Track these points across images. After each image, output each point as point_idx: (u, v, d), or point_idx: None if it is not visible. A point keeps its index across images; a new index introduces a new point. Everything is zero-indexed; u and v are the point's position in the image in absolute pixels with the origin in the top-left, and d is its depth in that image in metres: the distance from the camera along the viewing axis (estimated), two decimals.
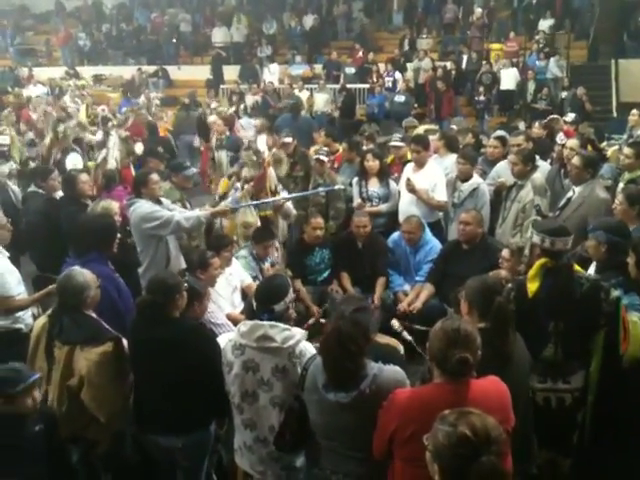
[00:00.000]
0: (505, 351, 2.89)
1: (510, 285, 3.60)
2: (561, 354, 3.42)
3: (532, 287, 3.45)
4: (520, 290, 3.50)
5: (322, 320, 5.25)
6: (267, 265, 5.56)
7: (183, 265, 4.99)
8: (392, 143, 7.26)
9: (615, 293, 3.44)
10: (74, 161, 7.77)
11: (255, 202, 5.79)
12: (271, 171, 6.00)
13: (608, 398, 3.45)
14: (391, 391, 2.65)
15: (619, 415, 3.43)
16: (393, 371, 2.78)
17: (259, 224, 5.87)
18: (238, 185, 6.00)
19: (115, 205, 5.21)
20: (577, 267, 3.58)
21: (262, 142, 8.79)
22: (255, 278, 5.28)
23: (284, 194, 6.15)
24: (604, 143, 8.68)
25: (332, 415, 2.74)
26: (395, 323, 4.66)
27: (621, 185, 5.55)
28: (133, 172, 7.62)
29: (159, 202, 5.06)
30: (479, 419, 2.02)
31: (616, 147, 7.92)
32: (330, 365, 2.73)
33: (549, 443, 3.42)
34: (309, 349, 3.06)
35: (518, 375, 2.67)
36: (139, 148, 8.89)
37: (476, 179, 6.12)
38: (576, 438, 3.52)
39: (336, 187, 6.29)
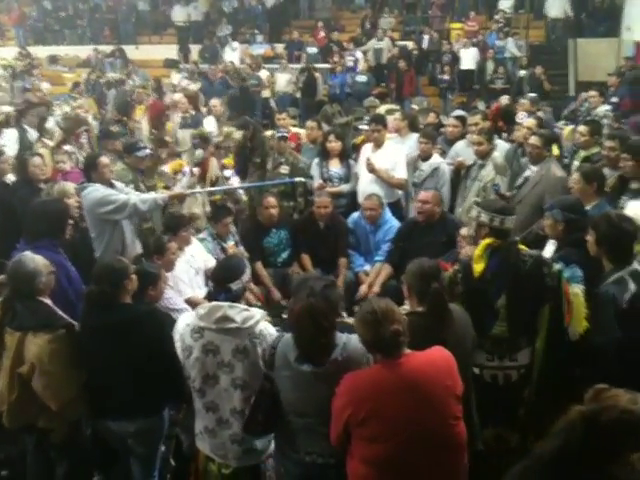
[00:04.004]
0: (440, 335, 2.91)
1: (456, 267, 3.63)
2: (509, 331, 3.47)
3: (478, 267, 3.47)
4: (466, 270, 3.53)
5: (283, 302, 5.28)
6: (230, 244, 5.50)
7: (139, 250, 4.89)
8: (362, 127, 7.26)
9: (556, 267, 3.49)
10: (10, 138, 7.49)
11: (214, 189, 5.71)
12: (213, 161, 5.88)
13: (553, 373, 3.50)
14: (359, 359, 2.73)
15: (565, 388, 3.49)
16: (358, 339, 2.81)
17: (205, 214, 5.78)
18: (187, 169, 5.89)
19: (71, 187, 5.06)
20: (520, 245, 3.62)
21: (210, 123, 8.64)
22: (217, 260, 5.21)
23: (235, 179, 6.07)
24: (561, 122, 8.79)
25: (306, 388, 2.76)
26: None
27: (576, 163, 5.63)
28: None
29: (111, 185, 4.92)
30: None
31: (572, 126, 8.01)
32: (304, 342, 2.75)
33: (495, 419, 3.48)
34: (269, 329, 3.06)
35: (455, 357, 2.69)
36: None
37: (437, 158, 6.16)
38: (523, 412, 3.58)
39: (297, 179, 6.21)
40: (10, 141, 7.14)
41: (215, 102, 9.34)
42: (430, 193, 5.35)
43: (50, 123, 8.03)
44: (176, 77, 13.81)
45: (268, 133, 7.59)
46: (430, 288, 3.04)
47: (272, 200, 5.80)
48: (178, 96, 9.71)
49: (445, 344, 2.76)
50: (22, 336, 3.31)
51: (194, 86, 11.33)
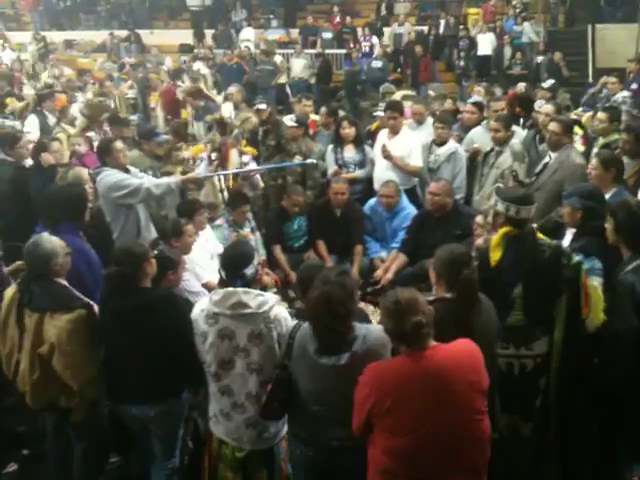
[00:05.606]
0: (468, 322, 2.89)
1: (473, 254, 3.60)
2: (525, 321, 3.44)
3: (495, 256, 3.45)
4: (483, 259, 3.50)
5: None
6: (247, 231, 5.50)
7: (154, 234, 4.90)
8: (377, 113, 7.20)
9: (576, 258, 3.44)
10: (31, 124, 7.58)
11: (227, 172, 5.69)
12: (233, 152, 5.84)
13: (572, 363, 3.48)
14: (380, 351, 2.73)
15: (583, 379, 3.47)
16: (379, 329, 2.79)
17: (223, 200, 5.77)
18: (203, 155, 5.86)
19: (85, 173, 5.08)
20: (539, 234, 3.58)
21: (227, 109, 8.60)
22: None
23: (253, 164, 6.05)
24: (580, 109, 8.69)
25: (325, 380, 2.77)
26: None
27: (595, 150, 5.56)
28: None
29: (127, 170, 4.93)
30: None
31: (590, 113, 7.91)
32: (320, 330, 2.76)
33: (511, 408, 3.45)
34: (283, 314, 3.08)
35: (481, 345, 2.67)
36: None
37: (452, 143, 6.10)
38: (539, 403, 3.56)
39: (308, 161, 6.17)
40: (33, 127, 7.21)
41: (232, 89, 9.24)
42: (440, 184, 5.28)
43: (73, 109, 8.06)
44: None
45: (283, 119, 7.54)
46: (460, 275, 2.99)
47: (300, 199, 5.83)
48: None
49: (472, 331, 2.74)
50: (41, 317, 3.34)
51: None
